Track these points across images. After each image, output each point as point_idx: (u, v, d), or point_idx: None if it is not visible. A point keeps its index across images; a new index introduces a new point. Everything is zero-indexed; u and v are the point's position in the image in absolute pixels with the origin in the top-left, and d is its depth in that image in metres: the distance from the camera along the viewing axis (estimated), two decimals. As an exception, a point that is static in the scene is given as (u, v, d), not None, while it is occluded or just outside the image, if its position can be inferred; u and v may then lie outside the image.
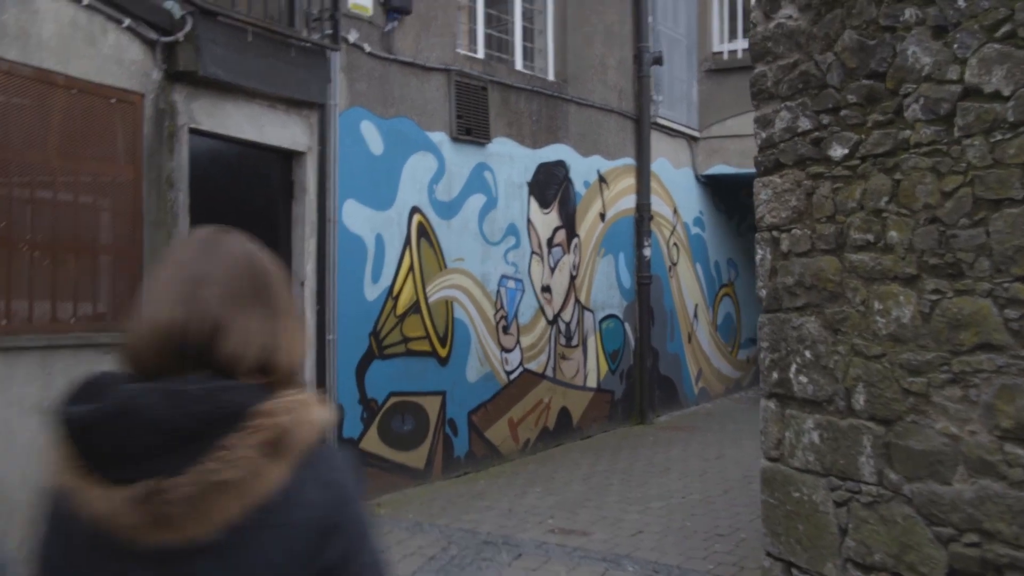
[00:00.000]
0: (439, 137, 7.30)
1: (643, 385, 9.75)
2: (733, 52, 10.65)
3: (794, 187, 4.24)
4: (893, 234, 3.73)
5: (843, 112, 3.96)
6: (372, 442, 6.68)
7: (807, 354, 4.15)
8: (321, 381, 6.36)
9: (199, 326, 1.22)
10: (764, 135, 4.42)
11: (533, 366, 8.28)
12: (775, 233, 4.35)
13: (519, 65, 8.49)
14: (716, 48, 10.83)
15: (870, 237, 3.82)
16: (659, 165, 10.06)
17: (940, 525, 3.56)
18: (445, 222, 7.34)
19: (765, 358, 4.40)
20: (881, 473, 3.78)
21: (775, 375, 4.33)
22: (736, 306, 11.93)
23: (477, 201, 7.69)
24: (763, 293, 4.42)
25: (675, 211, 10.48)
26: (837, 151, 3.99)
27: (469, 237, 7.61)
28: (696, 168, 10.88)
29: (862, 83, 3.85)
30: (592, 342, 9.10)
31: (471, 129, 7.50)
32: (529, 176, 8.29)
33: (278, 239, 6.17)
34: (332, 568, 1.21)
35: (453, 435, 7.38)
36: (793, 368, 4.22)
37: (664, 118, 10.12)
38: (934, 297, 3.58)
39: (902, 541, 3.70)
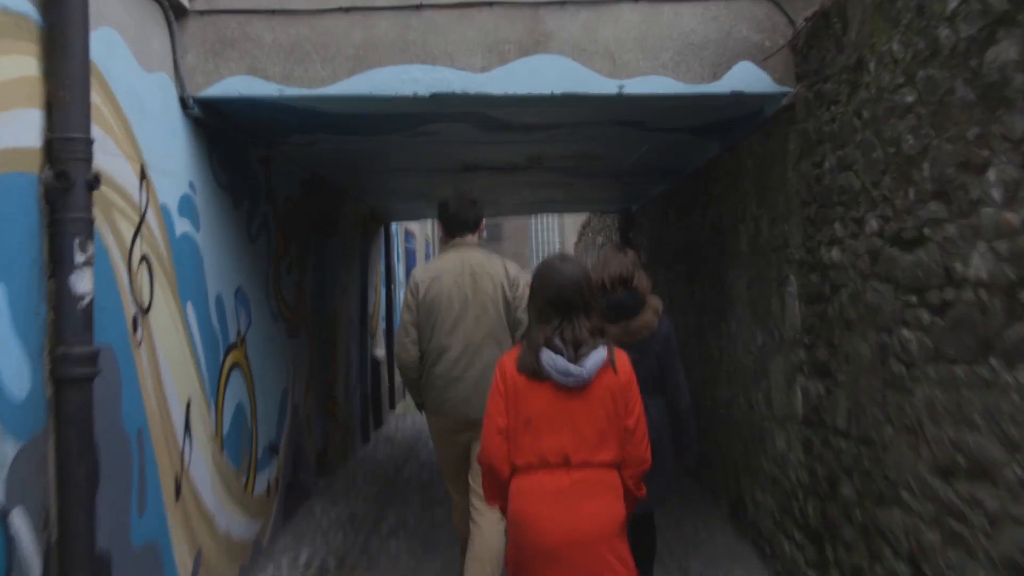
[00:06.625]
0: None
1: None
2: None
3: None
4: None
5: None
6: None
7: None
8: None
9: (627, 275, 4.44)
10: None
11: None
12: None
13: None
14: None
15: None
16: (105, 49, 3.74)
17: None
18: None
19: None
20: None
21: None
22: (250, 386, 5.85)
23: None
24: None
25: (143, 174, 4.18)
26: None
27: None
28: (185, 80, 4.69)
29: None
30: None
31: None
32: None
33: None
34: (666, 350, 4.42)
35: None
36: None
37: (119, -79, 3.78)
38: None
39: None
